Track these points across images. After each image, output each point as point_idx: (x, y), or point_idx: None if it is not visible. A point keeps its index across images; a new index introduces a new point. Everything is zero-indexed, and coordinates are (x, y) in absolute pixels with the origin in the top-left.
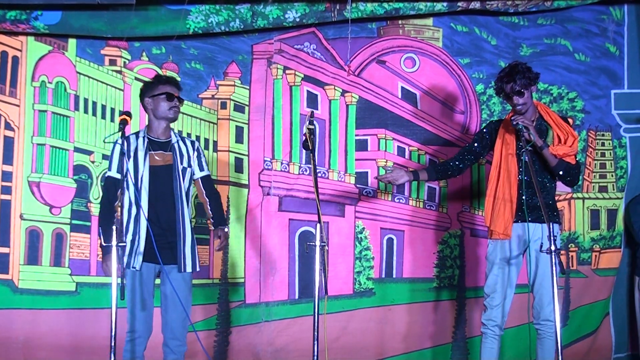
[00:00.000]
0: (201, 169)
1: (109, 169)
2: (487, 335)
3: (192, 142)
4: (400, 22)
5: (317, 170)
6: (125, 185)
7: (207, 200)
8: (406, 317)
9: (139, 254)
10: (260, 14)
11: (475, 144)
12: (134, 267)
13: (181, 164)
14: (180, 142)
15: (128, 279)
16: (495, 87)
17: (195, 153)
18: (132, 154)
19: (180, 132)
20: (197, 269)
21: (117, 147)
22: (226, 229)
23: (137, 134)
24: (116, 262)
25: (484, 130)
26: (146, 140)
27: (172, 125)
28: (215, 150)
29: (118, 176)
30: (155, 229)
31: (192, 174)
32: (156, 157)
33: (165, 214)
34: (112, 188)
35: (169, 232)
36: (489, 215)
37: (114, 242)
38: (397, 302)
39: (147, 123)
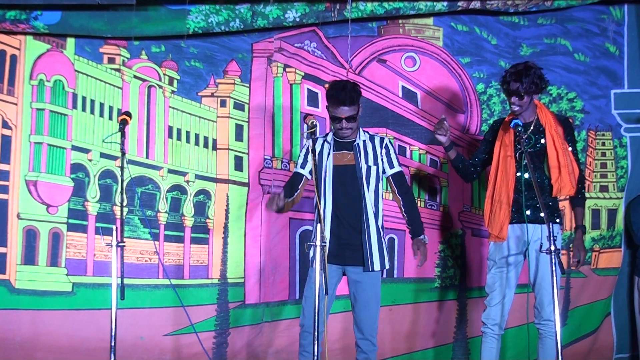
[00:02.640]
0: (391, 166)
1: (296, 166)
2: (487, 335)
3: (381, 139)
4: (400, 21)
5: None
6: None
7: (400, 198)
8: (407, 317)
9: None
10: (260, 14)
11: (484, 155)
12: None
13: (366, 163)
14: (367, 141)
15: (310, 276)
16: (501, 80)
17: (384, 150)
18: (316, 154)
19: (367, 132)
20: (387, 267)
21: (305, 147)
22: (424, 239)
23: (326, 135)
24: (116, 262)
25: (487, 137)
26: (332, 141)
27: (171, 123)
28: (214, 148)
29: (302, 172)
30: (342, 230)
31: (382, 172)
32: (338, 157)
33: (351, 214)
34: (295, 180)
35: (354, 233)
36: (487, 217)
37: (114, 242)
38: (398, 302)
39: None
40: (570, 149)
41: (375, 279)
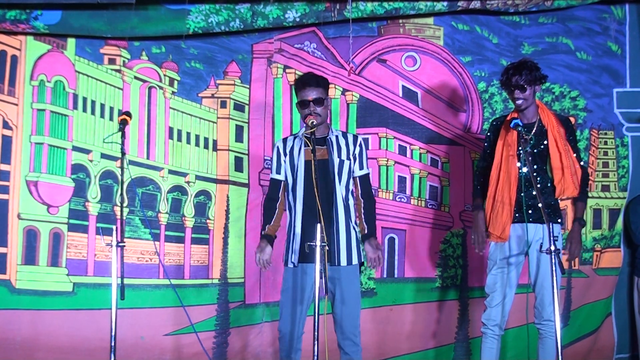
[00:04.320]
0: (360, 167)
1: (271, 171)
2: (487, 335)
3: (355, 137)
4: (400, 20)
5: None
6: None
7: (362, 201)
8: (408, 317)
9: (295, 252)
10: (260, 14)
11: (489, 150)
12: (289, 266)
13: (339, 157)
14: (340, 137)
15: (283, 278)
16: (501, 79)
17: (358, 149)
18: (287, 152)
19: (339, 130)
20: (354, 262)
21: (275, 149)
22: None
23: (295, 135)
24: (116, 262)
25: (489, 134)
26: (302, 138)
27: (172, 124)
28: (214, 149)
29: (279, 177)
30: (308, 226)
31: (352, 169)
32: (310, 152)
33: (323, 208)
34: (274, 189)
35: (327, 227)
36: (489, 217)
37: (114, 242)
38: (399, 302)
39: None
40: (571, 149)
41: (352, 275)
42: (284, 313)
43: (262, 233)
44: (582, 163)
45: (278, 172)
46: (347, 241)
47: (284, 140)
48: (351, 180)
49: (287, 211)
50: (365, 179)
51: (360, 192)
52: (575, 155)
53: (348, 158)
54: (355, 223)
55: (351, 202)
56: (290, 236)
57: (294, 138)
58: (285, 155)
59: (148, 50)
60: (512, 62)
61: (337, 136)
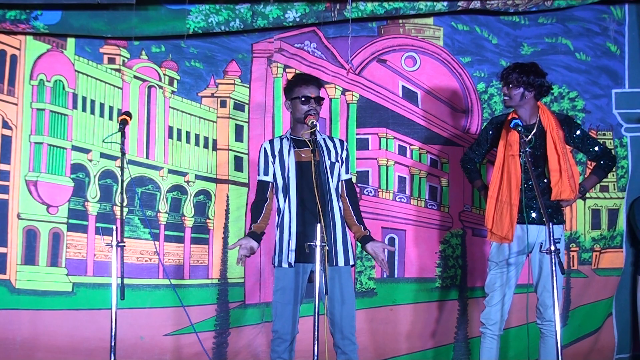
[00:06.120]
0: (346, 172)
1: (258, 173)
2: (486, 335)
3: (341, 142)
4: (400, 21)
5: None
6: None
7: (347, 199)
8: (408, 317)
9: (288, 252)
10: (260, 14)
11: (484, 144)
12: (283, 266)
13: (329, 159)
14: (327, 140)
15: (277, 278)
16: (501, 73)
17: (345, 152)
18: (276, 154)
19: (323, 133)
20: (352, 263)
21: (262, 151)
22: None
23: (281, 136)
24: (116, 262)
25: (489, 131)
26: (290, 140)
27: (171, 123)
28: (214, 148)
29: (266, 179)
30: (308, 226)
31: (340, 172)
32: (302, 154)
33: (315, 210)
34: (262, 190)
35: (325, 228)
36: (491, 218)
37: (114, 242)
38: (398, 302)
39: (291, 124)
40: (585, 141)
41: (347, 275)
42: (279, 313)
43: (248, 232)
44: (597, 148)
45: (266, 174)
46: (343, 242)
47: (271, 142)
48: (340, 183)
49: (277, 212)
50: (349, 182)
51: (345, 193)
52: (589, 142)
53: (337, 160)
54: (348, 225)
55: (341, 203)
56: (284, 237)
57: (281, 139)
58: (274, 157)
59: (148, 50)
60: (520, 62)
61: (324, 139)
